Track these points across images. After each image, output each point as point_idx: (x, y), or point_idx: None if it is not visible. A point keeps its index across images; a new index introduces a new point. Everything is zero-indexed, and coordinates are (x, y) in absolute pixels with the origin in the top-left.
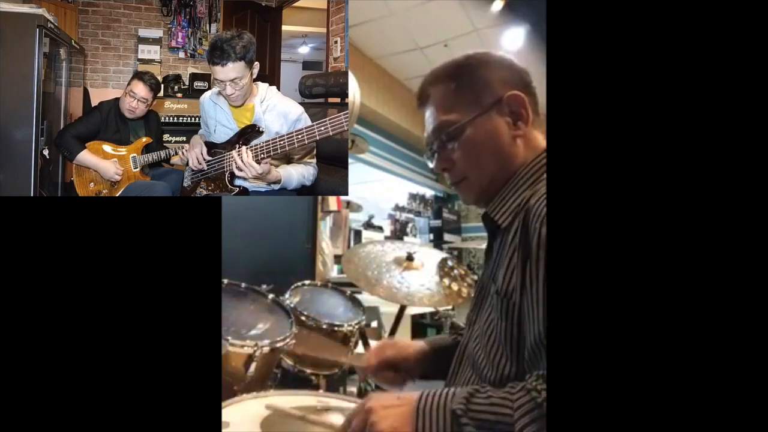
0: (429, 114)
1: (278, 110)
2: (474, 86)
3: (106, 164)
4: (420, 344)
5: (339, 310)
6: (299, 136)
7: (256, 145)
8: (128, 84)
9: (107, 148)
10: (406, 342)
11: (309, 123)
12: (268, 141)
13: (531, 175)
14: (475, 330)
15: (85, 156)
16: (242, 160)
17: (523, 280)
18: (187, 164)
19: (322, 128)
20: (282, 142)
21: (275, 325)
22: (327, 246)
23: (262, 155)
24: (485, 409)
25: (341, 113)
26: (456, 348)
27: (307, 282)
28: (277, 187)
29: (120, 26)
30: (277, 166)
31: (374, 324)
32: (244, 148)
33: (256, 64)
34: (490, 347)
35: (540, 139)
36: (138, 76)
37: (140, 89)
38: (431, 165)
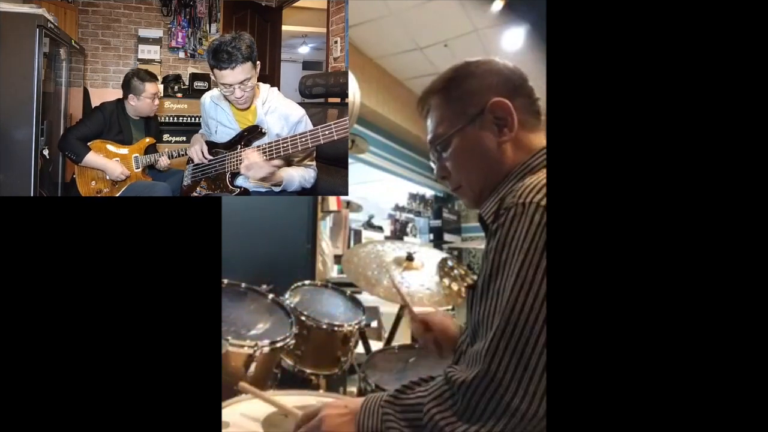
0: (428, 124)
1: (280, 112)
2: (459, 98)
3: (112, 164)
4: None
5: (339, 310)
6: (303, 139)
7: (258, 146)
8: (131, 90)
9: (111, 147)
10: (449, 320)
11: (310, 126)
12: (271, 143)
13: (517, 176)
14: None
15: (92, 157)
16: (250, 160)
17: (480, 271)
18: (188, 162)
19: (327, 132)
20: (285, 145)
21: (275, 325)
22: (327, 246)
23: (264, 157)
24: (411, 402)
25: (345, 118)
26: None
27: (307, 282)
28: (278, 189)
29: (120, 26)
30: (278, 167)
31: (374, 324)
32: (251, 149)
33: (259, 64)
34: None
35: (532, 140)
36: (140, 78)
37: (152, 88)
38: (435, 171)
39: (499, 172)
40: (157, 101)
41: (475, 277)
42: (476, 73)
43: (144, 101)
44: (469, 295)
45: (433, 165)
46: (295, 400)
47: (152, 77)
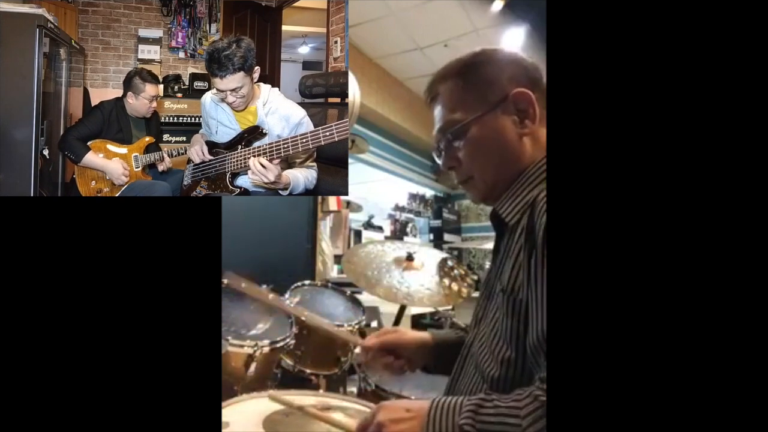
0: (437, 112)
1: (280, 113)
2: (480, 84)
3: (113, 165)
4: (423, 335)
5: (339, 310)
6: (303, 140)
7: (258, 147)
8: (130, 88)
9: (111, 147)
10: (408, 330)
11: (311, 126)
12: (272, 143)
13: (539, 174)
14: (481, 329)
15: (91, 158)
16: (255, 166)
17: (528, 277)
18: (188, 162)
19: (327, 133)
20: (286, 145)
21: (275, 325)
22: (327, 246)
23: (265, 158)
24: (493, 420)
25: (346, 119)
26: (459, 345)
27: (307, 282)
28: (285, 193)
29: (120, 26)
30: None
31: (374, 324)
32: (255, 158)
33: (257, 69)
34: (495, 345)
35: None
36: (141, 78)
37: (152, 90)
38: (439, 162)
39: (515, 166)
40: (154, 103)
41: (475, 277)
42: (497, 60)
43: (141, 101)
44: (506, 302)
45: (436, 156)
46: (295, 400)
47: (154, 79)
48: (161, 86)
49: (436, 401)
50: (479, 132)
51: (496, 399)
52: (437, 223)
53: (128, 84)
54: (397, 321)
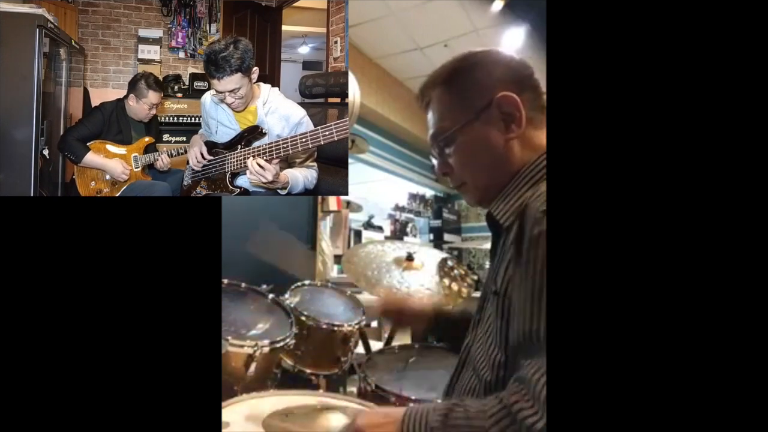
0: (429, 117)
1: (280, 113)
2: (464, 91)
3: (113, 164)
4: (424, 303)
5: (339, 310)
6: (303, 140)
7: (258, 147)
8: (133, 91)
9: (110, 147)
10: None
11: (311, 126)
12: (271, 143)
13: (533, 175)
14: (479, 332)
15: (91, 158)
16: (253, 167)
17: (512, 279)
18: (188, 162)
19: (327, 133)
20: (285, 145)
21: (275, 325)
22: (327, 246)
23: (265, 158)
24: (462, 423)
25: (345, 118)
26: (460, 321)
27: (307, 282)
28: (284, 192)
29: (120, 26)
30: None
31: (374, 324)
32: (252, 158)
33: (255, 69)
34: (489, 347)
35: (538, 137)
36: (146, 83)
37: (153, 97)
38: (435, 167)
39: (506, 171)
40: (154, 111)
41: (475, 277)
42: (482, 65)
43: (141, 106)
44: (498, 303)
45: (434, 160)
46: (295, 399)
47: (158, 87)
48: (161, 92)
49: (411, 408)
50: (466, 140)
51: (468, 403)
52: (437, 223)
53: (133, 86)
54: None
